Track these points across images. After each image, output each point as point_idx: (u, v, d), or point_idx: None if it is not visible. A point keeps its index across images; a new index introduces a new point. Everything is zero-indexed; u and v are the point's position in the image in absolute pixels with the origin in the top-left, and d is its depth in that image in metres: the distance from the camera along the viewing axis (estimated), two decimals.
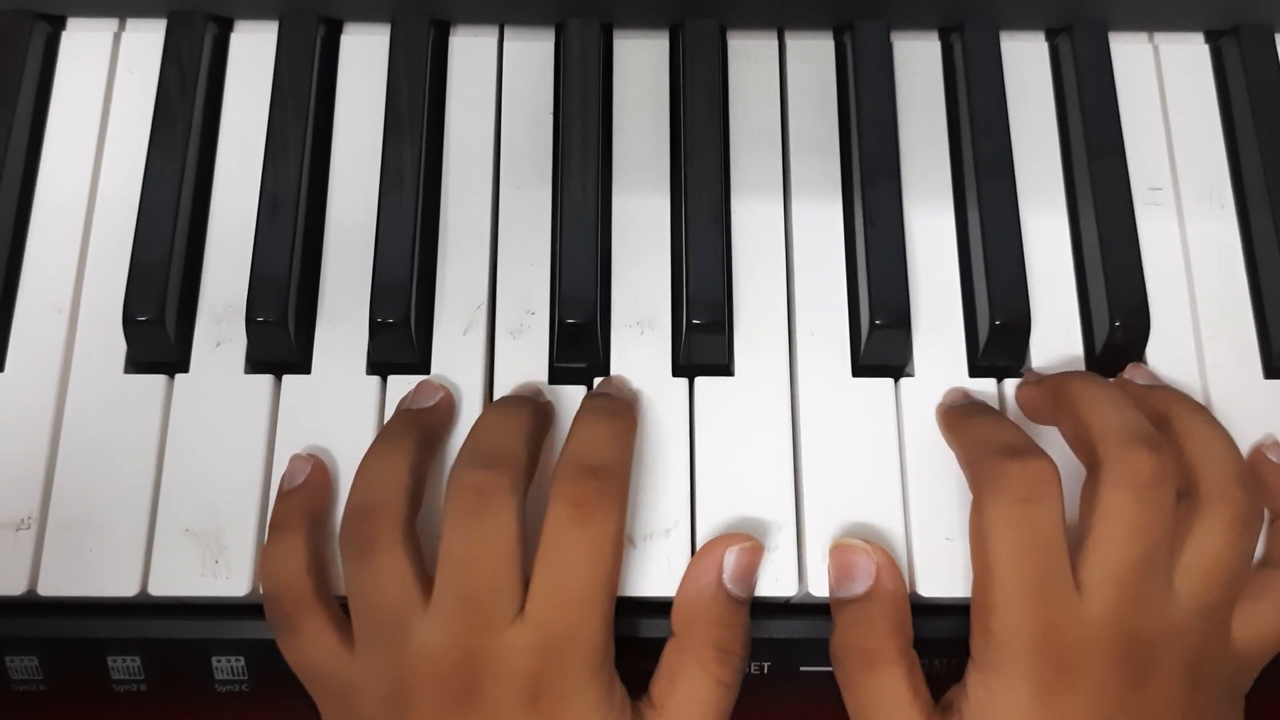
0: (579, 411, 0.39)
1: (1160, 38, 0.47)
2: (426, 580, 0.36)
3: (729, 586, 0.37)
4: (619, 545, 0.36)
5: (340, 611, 0.37)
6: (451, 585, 0.35)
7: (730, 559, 0.37)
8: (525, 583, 0.35)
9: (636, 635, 0.39)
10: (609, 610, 0.35)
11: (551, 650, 0.35)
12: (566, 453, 0.37)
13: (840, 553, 0.38)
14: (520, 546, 0.35)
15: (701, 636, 0.36)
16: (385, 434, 0.39)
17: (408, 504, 0.37)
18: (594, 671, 0.35)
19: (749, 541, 0.38)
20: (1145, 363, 0.42)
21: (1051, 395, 0.39)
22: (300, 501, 0.38)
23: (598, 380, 0.41)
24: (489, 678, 0.34)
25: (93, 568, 0.38)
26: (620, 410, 0.39)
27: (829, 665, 0.38)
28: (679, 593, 0.37)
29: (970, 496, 0.37)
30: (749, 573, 0.37)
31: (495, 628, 0.35)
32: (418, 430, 0.39)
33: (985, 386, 0.41)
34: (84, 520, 0.39)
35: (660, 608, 0.38)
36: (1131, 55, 0.46)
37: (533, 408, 0.39)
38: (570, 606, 0.35)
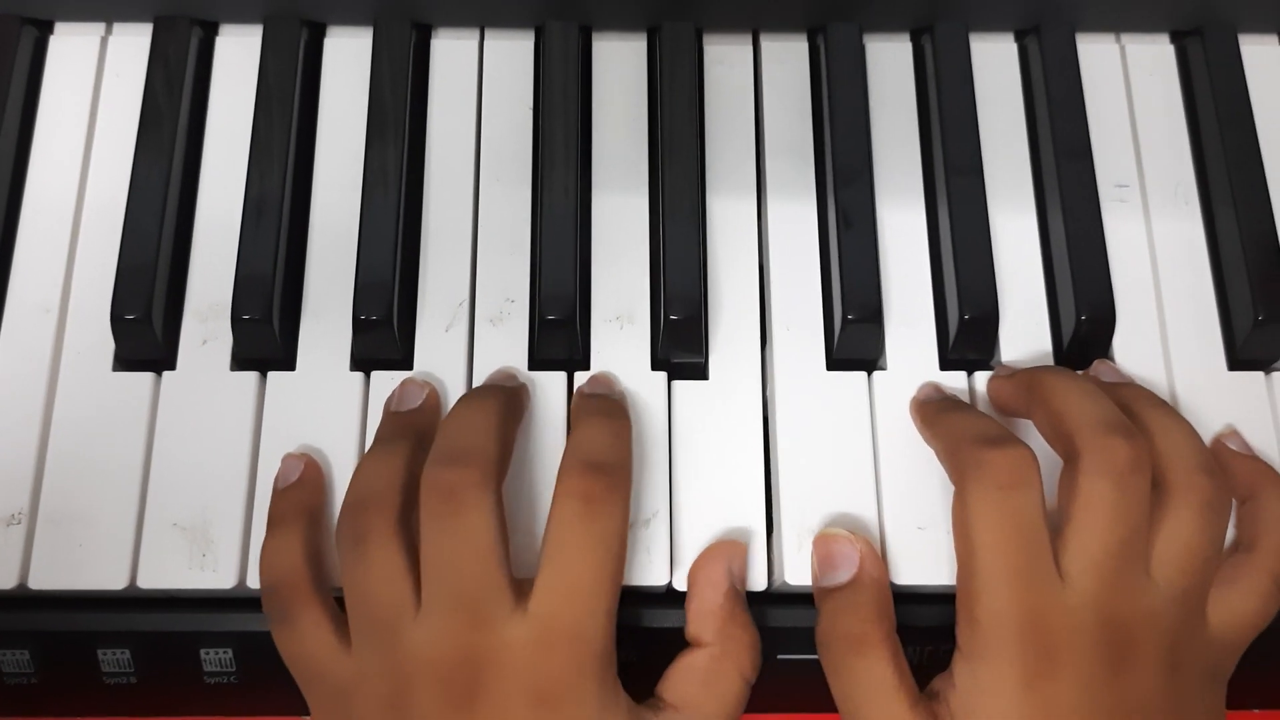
0: (576, 413, 0.40)
1: (1127, 38, 0.47)
2: (419, 577, 0.36)
3: (739, 588, 0.38)
4: (624, 541, 0.36)
5: (337, 608, 0.38)
6: (438, 587, 0.35)
7: (734, 566, 0.38)
8: (512, 577, 0.36)
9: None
10: (613, 608, 0.36)
11: (557, 646, 0.35)
12: (570, 450, 0.37)
13: (825, 542, 0.39)
14: (501, 541, 0.36)
15: (737, 640, 0.37)
16: (379, 438, 0.40)
17: (402, 499, 0.37)
18: (600, 670, 0.35)
19: (740, 544, 0.39)
20: (1112, 355, 0.42)
21: (1025, 389, 0.40)
22: (296, 497, 0.39)
23: (582, 375, 0.42)
24: (492, 676, 0.35)
25: (82, 561, 0.39)
26: (617, 410, 0.39)
27: (807, 653, 0.39)
28: (700, 602, 0.38)
29: (946, 486, 0.38)
30: (745, 572, 0.39)
31: (492, 625, 0.35)
32: (409, 430, 0.39)
33: (956, 380, 0.42)
34: (74, 515, 0.39)
35: (646, 598, 0.39)
36: (1099, 55, 0.47)
37: (502, 397, 0.39)
38: (577, 601, 0.35)
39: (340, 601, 0.38)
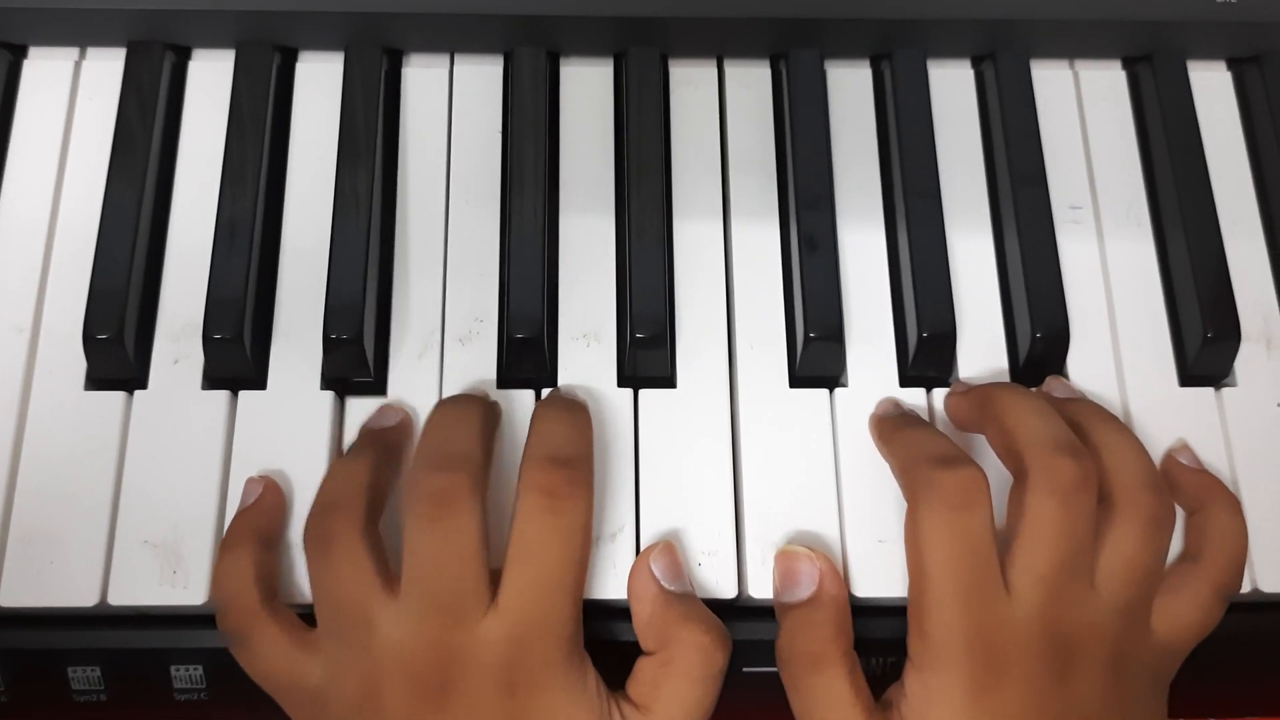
0: (537, 409, 0.40)
1: (1080, 65, 0.49)
2: (388, 575, 0.37)
3: (669, 587, 0.39)
4: (589, 533, 0.37)
5: (295, 619, 0.38)
6: (417, 588, 0.36)
7: (656, 566, 0.39)
8: (490, 578, 0.36)
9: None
10: (580, 595, 0.37)
11: (526, 640, 0.36)
12: (532, 445, 0.38)
13: (785, 559, 0.40)
14: (484, 546, 0.36)
15: (679, 641, 0.37)
16: (349, 449, 0.41)
17: (367, 503, 0.38)
18: (566, 655, 0.36)
19: (659, 543, 0.40)
20: (1067, 372, 0.44)
21: (978, 405, 0.41)
22: (248, 519, 0.39)
23: (546, 391, 0.42)
24: (464, 672, 0.36)
25: (53, 579, 0.39)
26: (576, 405, 0.40)
27: (771, 665, 0.39)
28: (635, 618, 0.39)
29: (903, 502, 0.39)
30: (676, 568, 0.39)
31: (466, 625, 0.36)
32: (379, 443, 0.40)
33: (915, 396, 0.43)
34: (45, 533, 0.40)
35: (614, 612, 0.40)
36: (1053, 81, 0.48)
37: (482, 405, 0.40)
38: (544, 595, 0.36)
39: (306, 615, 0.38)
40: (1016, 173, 0.45)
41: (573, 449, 0.38)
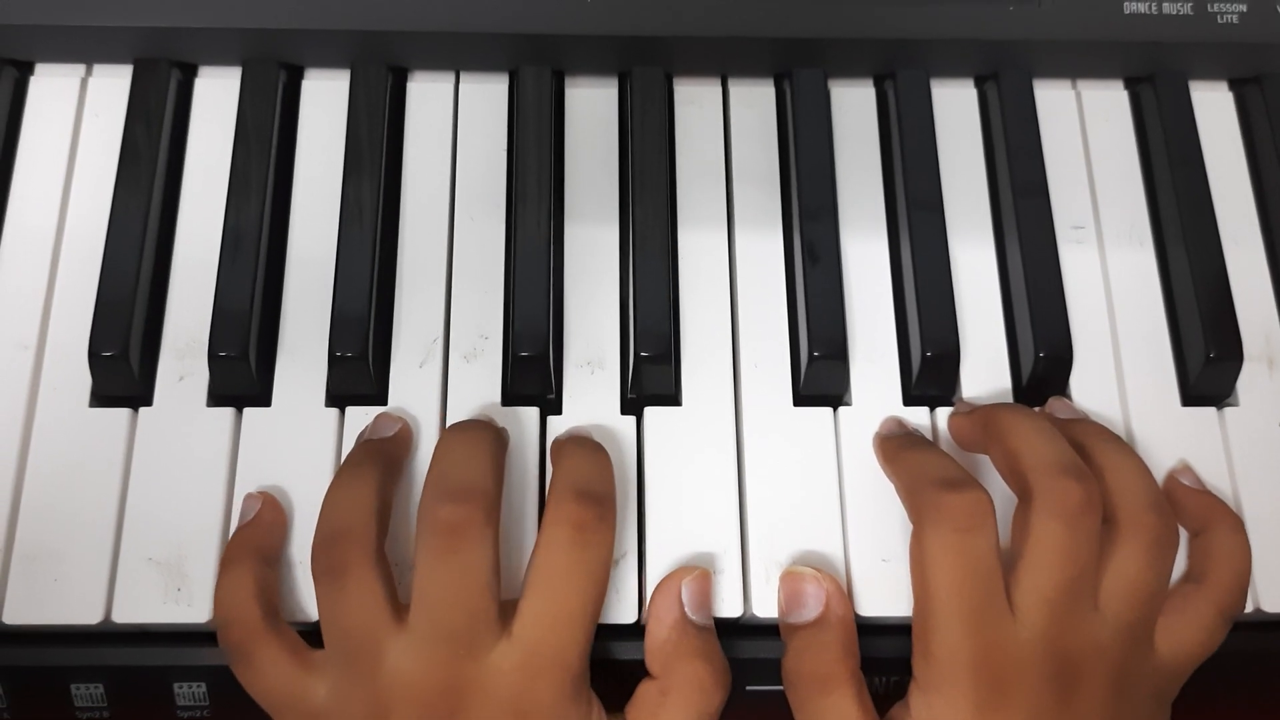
0: (560, 447, 0.40)
1: (1082, 84, 0.49)
2: (397, 603, 0.37)
3: (692, 618, 0.38)
4: (609, 569, 0.37)
5: (296, 638, 0.38)
6: (428, 619, 0.36)
7: (686, 591, 0.39)
8: (501, 607, 0.36)
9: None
10: (593, 632, 0.37)
11: (540, 672, 0.36)
12: (562, 479, 0.38)
13: (790, 580, 0.40)
14: (496, 578, 0.36)
15: (682, 674, 0.37)
16: (349, 463, 0.40)
17: (376, 528, 0.38)
18: (576, 687, 0.36)
19: (697, 569, 0.39)
20: (1069, 392, 0.44)
21: (982, 426, 0.41)
22: (247, 536, 0.39)
23: (555, 419, 0.42)
24: (472, 702, 0.36)
25: (57, 596, 0.39)
26: (600, 447, 0.40)
27: (775, 684, 0.39)
28: (649, 637, 0.39)
29: (907, 521, 0.39)
30: (705, 599, 0.39)
31: (476, 655, 0.36)
32: (380, 458, 0.40)
33: (919, 415, 0.43)
34: (49, 550, 0.40)
35: (616, 630, 0.40)
36: (1055, 100, 0.48)
37: (493, 433, 0.40)
38: (562, 629, 0.36)
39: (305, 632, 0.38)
40: (1019, 191, 0.45)
41: (601, 486, 0.38)
